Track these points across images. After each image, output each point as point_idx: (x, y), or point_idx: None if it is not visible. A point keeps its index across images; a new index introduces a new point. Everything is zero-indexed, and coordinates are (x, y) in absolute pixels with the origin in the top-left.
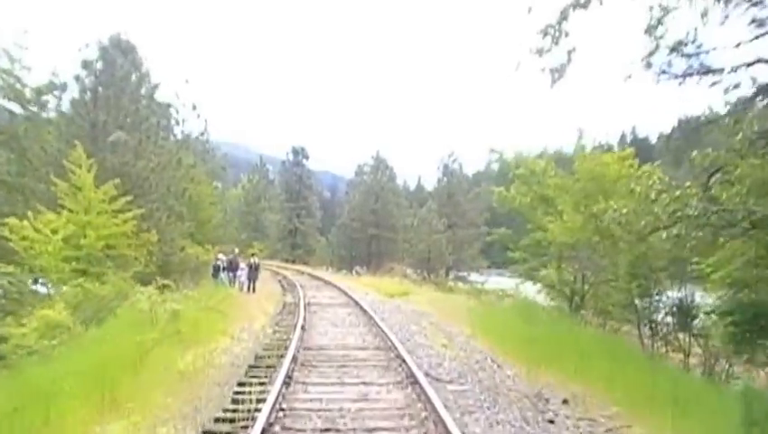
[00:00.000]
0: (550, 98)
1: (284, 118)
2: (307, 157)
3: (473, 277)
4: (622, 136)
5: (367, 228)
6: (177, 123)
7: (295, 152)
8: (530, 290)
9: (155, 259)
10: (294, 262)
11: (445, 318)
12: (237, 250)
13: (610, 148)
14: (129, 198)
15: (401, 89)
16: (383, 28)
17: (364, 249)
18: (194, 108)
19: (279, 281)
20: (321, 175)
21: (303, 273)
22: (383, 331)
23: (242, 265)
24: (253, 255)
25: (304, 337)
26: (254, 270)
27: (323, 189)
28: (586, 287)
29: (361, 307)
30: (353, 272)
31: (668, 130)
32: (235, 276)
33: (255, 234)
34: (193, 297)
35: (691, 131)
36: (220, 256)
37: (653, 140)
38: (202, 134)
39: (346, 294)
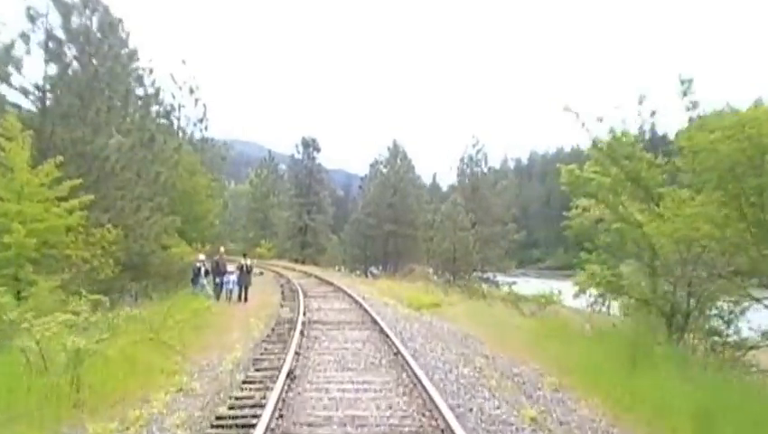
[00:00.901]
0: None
1: (297, 115)
2: (318, 150)
3: (499, 278)
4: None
5: (383, 224)
6: (173, 108)
7: (306, 144)
8: (565, 292)
9: (119, 259)
10: (303, 262)
11: (501, 347)
12: (222, 250)
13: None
14: (80, 183)
15: (416, 85)
16: (399, 24)
17: (380, 247)
18: (192, 91)
19: (281, 286)
20: (334, 174)
21: (310, 275)
22: (420, 382)
23: (231, 268)
24: (245, 255)
25: (290, 402)
26: (245, 274)
27: (337, 188)
28: (693, 302)
29: (382, 330)
30: (368, 274)
31: None
32: (222, 282)
33: (263, 232)
34: (141, 319)
35: None
36: (200, 257)
37: None
38: (201, 121)
39: (360, 306)
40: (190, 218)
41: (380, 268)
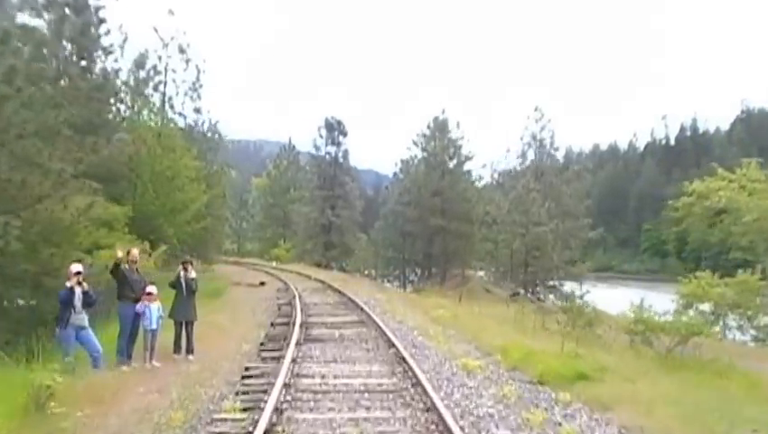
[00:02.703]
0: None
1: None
2: (345, 134)
3: (567, 286)
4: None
5: (427, 217)
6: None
7: (329, 126)
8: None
9: None
10: (326, 266)
11: None
12: (135, 253)
13: None
14: None
15: (449, 82)
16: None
17: (422, 248)
18: (182, 51)
19: (278, 308)
20: (364, 174)
21: (326, 286)
22: None
23: (152, 289)
24: (185, 264)
25: None
26: (184, 299)
27: (366, 187)
28: None
29: None
30: (405, 285)
31: None
32: (138, 318)
33: (282, 231)
34: None
35: None
36: (74, 268)
37: None
38: (193, 89)
39: (419, 386)
40: (165, 209)
41: (417, 274)
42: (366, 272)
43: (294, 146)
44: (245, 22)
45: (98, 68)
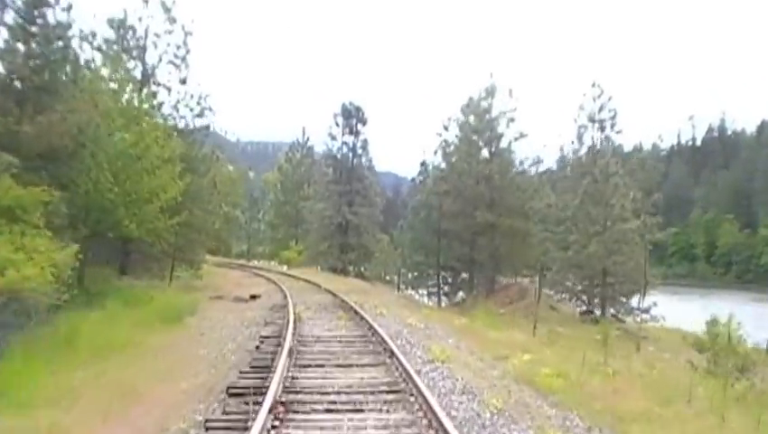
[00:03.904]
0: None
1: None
2: (364, 122)
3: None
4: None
5: (471, 211)
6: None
7: (346, 113)
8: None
9: None
10: (342, 271)
11: None
12: None
13: None
14: None
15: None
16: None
17: (459, 251)
18: (167, 9)
19: (257, 347)
20: (382, 177)
21: (339, 302)
22: None
23: None
24: None
25: None
26: None
27: (385, 189)
28: None
29: None
30: (441, 298)
31: None
32: None
33: (295, 231)
34: None
35: None
36: None
37: None
38: (179, 57)
39: None
40: (127, 199)
41: (449, 282)
42: (387, 278)
43: (308, 138)
44: (270, 21)
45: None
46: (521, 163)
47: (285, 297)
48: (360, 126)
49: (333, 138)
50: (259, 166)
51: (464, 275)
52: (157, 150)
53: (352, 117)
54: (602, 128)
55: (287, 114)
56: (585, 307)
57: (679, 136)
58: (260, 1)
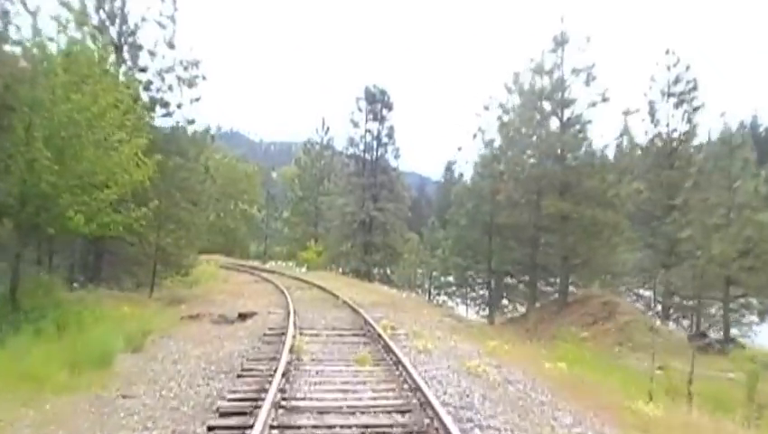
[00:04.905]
0: None
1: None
2: (390, 107)
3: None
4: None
5: (536, 200)
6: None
7: (370, 96)
8: None
9: None
10: (367, 275)
11: None
12: None
13: None
14: None
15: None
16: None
17: (519, 252)
18: None
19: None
20: (407, 177)
21: (360, 321)
22: None
23: None
24: None
25: None
26: None
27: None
28: None
29: None
30: (492, 312)
31: None
32: None
33: (314, 230)
34: None
35: None
36: None
37: None
38: (165, 15)
39: None
40: (72, 182)
41: (491, 290)
42: (418, 283)
43: (327, 128)
44: (296, 24)
45: None
46: (601, 136)
47: (289, 314)
48: (385, 111)
49: (356, 125)
50: (282, 166)
51: (512, 281)
52: (118, 116)
53: (377, 101)
54: (679, 102)
55: (311, 115)
56: (694, 329)
57: (709, 132)
58: (290, 5)
